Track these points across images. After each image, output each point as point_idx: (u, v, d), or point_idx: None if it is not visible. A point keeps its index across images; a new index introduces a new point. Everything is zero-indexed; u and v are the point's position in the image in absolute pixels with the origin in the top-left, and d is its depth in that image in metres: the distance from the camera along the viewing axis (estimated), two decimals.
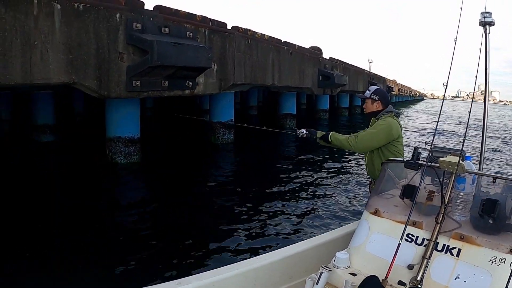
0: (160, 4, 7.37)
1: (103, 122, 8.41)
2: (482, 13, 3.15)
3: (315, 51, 15.49)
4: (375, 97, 3.64)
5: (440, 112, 2.99)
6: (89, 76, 5.81)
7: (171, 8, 7.44)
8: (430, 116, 32.92)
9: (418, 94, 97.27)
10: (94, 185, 7.10)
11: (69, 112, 13.98)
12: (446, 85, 2.67)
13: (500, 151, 14.45)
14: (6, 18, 4.66)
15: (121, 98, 7.03)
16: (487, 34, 3.16)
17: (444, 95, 3.19)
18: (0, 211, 5.20)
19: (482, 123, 3.39)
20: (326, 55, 16.63)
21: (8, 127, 11.54)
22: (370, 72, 31.91)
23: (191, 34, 7.48)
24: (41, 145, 10.12)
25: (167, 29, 6.85)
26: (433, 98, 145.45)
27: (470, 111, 2.60)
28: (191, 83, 7.70)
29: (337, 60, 18.23)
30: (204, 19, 8.35)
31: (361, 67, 26.11)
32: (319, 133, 3.65)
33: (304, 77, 14.00)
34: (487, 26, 3.15)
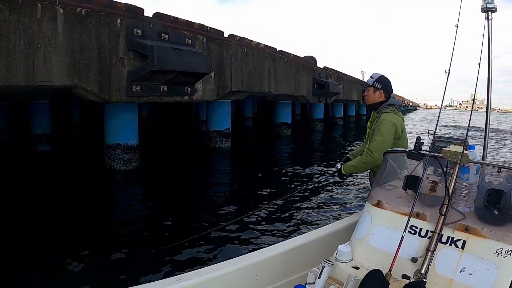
0: (159, 11, 7.48)
1: (99, 130, 8.43)
2: None
3: (310, 60, 15.69)
4: (378, 86, 3.46)
5: (443, 100, 2.71)
6: (90, 80, 5.86)
7: (171, 16, 7.56)
8: (426, 124, 33.11)
9: (411, 104, 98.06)
10: (92, 191, 7.06)
11: (66, 121, 13.97)
12: (449, 72, 2.48)
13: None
14: (10, 21, 4.72)
15: (121, 103, 7.07)
16: (490, 21, 3.04)
17: (447, 78, 2.67)
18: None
19: (485, 112, 3.26)
20: (320, 65, 16.85)
21: (5, 137, 11.50)
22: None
23: (190, 41, 7.58)
24: (39, 154, 10.07)
25: (166, 36, 6.94)
26: (427, 108, 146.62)
27: (475, 93, 2.53)
28: (190, 89, 7.78)
29: (331, 69, 18.43)
30: (202, 27, 8.48)
31: (355, 76, 26.38)
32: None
33: (300, 86, 14.15)
34: (489, 13, 3.04)
